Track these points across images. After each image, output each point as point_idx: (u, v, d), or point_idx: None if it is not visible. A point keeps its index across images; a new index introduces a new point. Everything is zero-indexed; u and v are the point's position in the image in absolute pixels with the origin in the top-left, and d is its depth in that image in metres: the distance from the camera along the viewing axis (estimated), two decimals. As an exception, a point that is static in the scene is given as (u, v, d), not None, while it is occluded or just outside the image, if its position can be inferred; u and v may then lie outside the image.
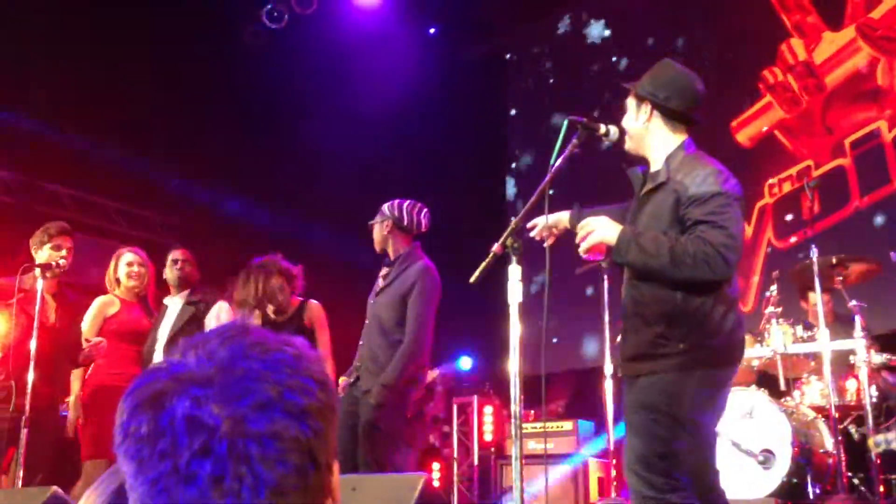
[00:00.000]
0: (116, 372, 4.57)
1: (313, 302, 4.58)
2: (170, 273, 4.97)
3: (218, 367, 0.79)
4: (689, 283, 2.68)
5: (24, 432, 3.91)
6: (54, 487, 2.95)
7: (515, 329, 2.77)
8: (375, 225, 4.52)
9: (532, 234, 3.13)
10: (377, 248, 4.55)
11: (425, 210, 4.53)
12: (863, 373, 4.45)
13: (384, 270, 4.46)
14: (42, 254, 4.49)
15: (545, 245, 3.06)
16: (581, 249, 2.87)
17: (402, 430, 4.30)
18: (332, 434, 0.83)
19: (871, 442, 4.37)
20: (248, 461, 0.75)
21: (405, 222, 4.44)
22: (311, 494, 0.79)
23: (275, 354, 0.82)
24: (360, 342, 4.40)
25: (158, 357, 4.52)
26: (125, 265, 4.88)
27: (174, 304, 4.93)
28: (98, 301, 4.79)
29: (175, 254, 5.01)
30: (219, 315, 4.61)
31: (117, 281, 4.89)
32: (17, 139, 6.88)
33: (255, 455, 0.75)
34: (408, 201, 4.51)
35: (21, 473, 3.87)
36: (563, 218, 3.15)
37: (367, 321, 4.43)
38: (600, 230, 2.79)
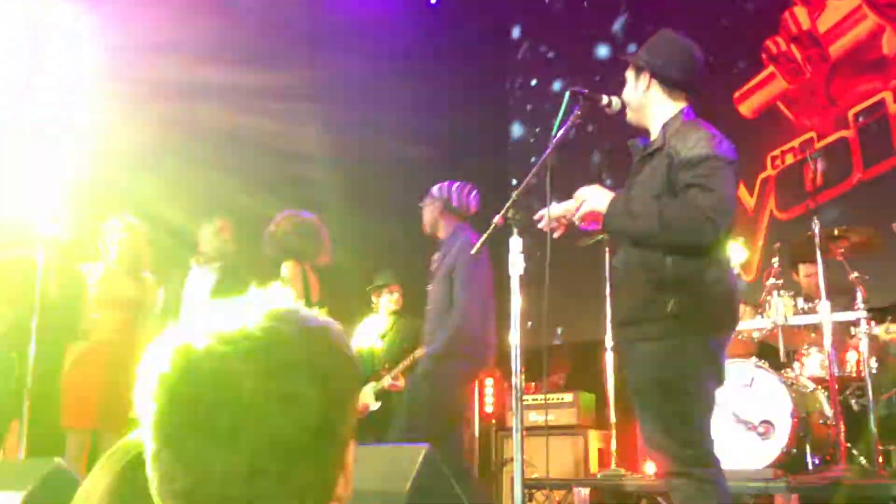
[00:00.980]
0: (97, 341, 4.57)
1: None
2: (214, 241, 4.95)
3: (251, 326, 0.80)
4: (679, 247, 2.68)
5: (25, 404, 3.93)
6: (57, 459, 2.97)
7: (516, 301, 2.78)
8: (426, 207, 4.61)
9: (540, 225, 3.05)
10: (427, 229, 4.66)
11: (475, 191, 4.64)
12: (863, 344, 4.46)
13: (436, 255, 4.54)
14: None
15: (554, 236, 2.99)
16: (575, 218, 2.88)
17: (447, 401, 4.30)
18: (352, 411, 0.84)
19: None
20: (266, 417, 0.76)
21: (455, 203, 4.55)
22: (324, 464, 0.80)
23: (307, 322, 0.83)
24: (427, 328, 4.49)
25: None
26: (112, 230, 4.78)
27: (205, 273, 4.93)
28: (83, 268, 4.71)
29: (218, 223, 5.01)
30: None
31: (104, 246, 4.79)
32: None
33: (274, 412, 0.76)
34: (457, 183, 4.62)
35: (24, 445, 3.89)
36: (570, 207, 3.00)
37: (428, 308, 4.52)
38: (592, 199, 2.80)
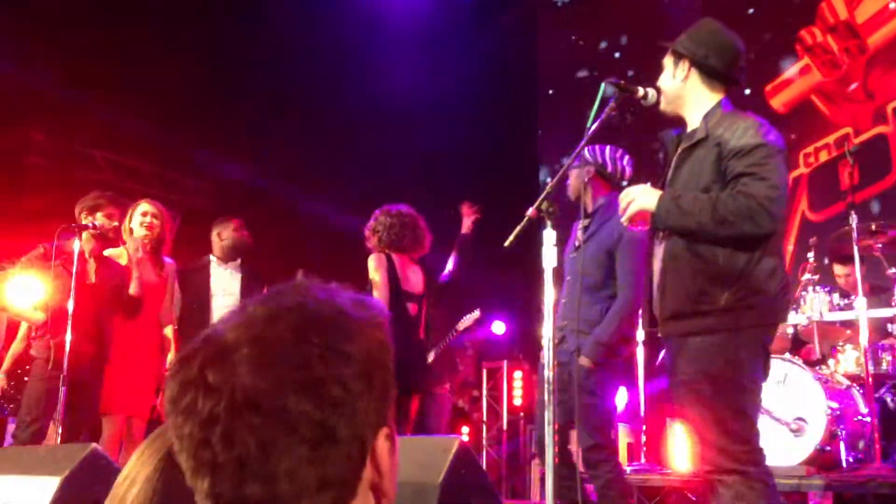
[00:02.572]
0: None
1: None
2: (231, 240, 5.05)
3: (248, 333, 0.80)
4: (735, 238, 2.64)
5: (62, 391, 3.98)
6: (94, 444, 3.00)
7: (550, 293, 2.76)
8: (573, 171, 4.13)
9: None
10: (572, 196, 4.16)
11: (628, 157, 4.20)
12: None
13: (584, 222, 4.05)
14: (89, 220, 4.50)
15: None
16: (623, 220, 2.84)
17: (614, 387, 4.06)
18: (370, 405, 0.82)
19: None
20: (253, 431, 0.76)
21: (609, 169, 4.09)
22: (334, 466, 0.79)
23: (311, 320, 0.82)
24: (563, 300, 4.03)
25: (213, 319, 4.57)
26: (140, 215, 4.74)
27: (228, 271, 5.03)
28: (108, 252, 4.69)
29: (235, 221, 5.12)
30: None
31: (131, 231, 4.75)
32: (52, 102, 6.93)
33: (260, 425, 0.76)
34: (610, 146, 4.18)
35: (60, 431, 3.95)
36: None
37: (567, 277, 4.08)
38: (639, 198, 2.75)
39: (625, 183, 4.06)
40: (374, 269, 4.53)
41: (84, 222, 4.45)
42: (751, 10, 7.41)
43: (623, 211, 2.80)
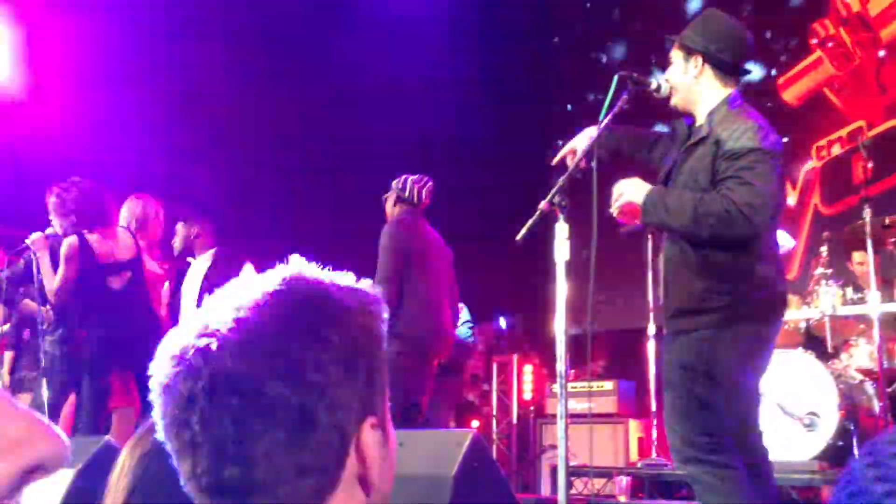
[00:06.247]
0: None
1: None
2: (178, 241, 5.08)
3: (231, 316, 0.80)
4: (713, 240, 2.66)
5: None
6: (107, 437, 3.02)
7: (562, 288, 2.75)
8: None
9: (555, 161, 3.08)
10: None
11: (430, 185, 4.60)
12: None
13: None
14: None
15: (578, 168, 2.95)
16: (612, 211, 2.85)
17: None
18: (353, 394, 0.81)
19: None
20: (230, 412, 0.77)
21: (406, 194, 4.53)
22: (312, 453, 0.79)
23: (295, 305, 0.82)
24: None
25: (186, 314, 4.59)
26: (133, 209, 4.81)
27: (200, 264, 5.00)
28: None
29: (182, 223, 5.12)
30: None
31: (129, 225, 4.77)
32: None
33: (237, 407, 0.77)
34: (417, 176, 4.59)
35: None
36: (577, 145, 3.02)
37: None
38: (628, 192, 2.77)
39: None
40: None
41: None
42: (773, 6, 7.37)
43: (613, 202, 2.81)
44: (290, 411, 0.77)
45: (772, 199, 2.67)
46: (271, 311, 0.81)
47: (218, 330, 0.79)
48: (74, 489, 2.26)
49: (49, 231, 4.35)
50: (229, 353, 0.78)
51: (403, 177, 4.61)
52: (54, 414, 4.05)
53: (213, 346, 0.78)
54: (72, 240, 4.25)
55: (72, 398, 4.34)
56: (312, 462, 0.79)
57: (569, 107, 8.83)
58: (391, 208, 4.62)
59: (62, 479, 2.43)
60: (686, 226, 2.66)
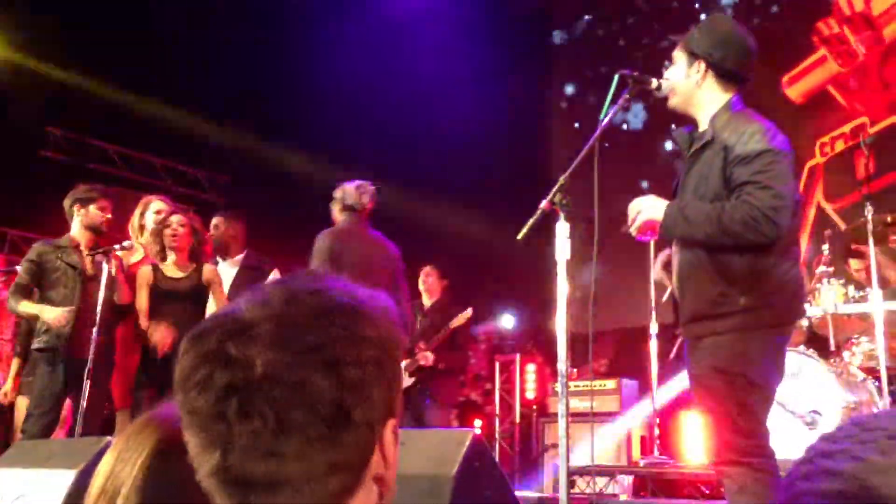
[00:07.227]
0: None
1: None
2: (216, 234, 5.05)
3: (268, 311, 0.80)
4: (740, 247, 2.65)
5: (86, 383, 3.98)
6: (108, 438, 3.03)
7: (563, 286, 2.75)
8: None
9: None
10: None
11: (372, 191, 4.72)
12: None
13: None
14: (88, 213, 4.51)
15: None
16: (631, 230, 2.83)
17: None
18: (382, 394, 0.82)
19: None
20: (272, 404, 0.76)
21: (349, 201, 4.66)
22: (344, 450, 0.79)
23: (330, 303, 0.82)
24: None
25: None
26: (153, 213, 4.72)
27: (227, 269, 4.97)
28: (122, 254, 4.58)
29: (215, 220, 5.11)
30: None
31: (141, 228, 4.74)
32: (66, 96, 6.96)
33: (279, 398, 0.76)
34: (359, 182, 4.70)
35: (81, 422, 3.97)
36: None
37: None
38: (647, 209, 2.75)
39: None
40: None
41: (77, 216, 4.46)
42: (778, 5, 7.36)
43: (631, 222, 2.80)
44: (329, 406, 0.78)
45: (791, 199, 2.66)
46: (311, 308, 0.81)
47: (257, 324, 0.79)
48: (75, 489, 2.27)
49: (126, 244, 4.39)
50: (272, 345, 0.78)
51: (344, 184, 4.74)
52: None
53: (254, 339, 0.78)
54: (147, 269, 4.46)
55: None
56: (343, 460, 0.80)
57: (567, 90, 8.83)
58: (337, 215, 4.76)
59: (63, 479, 2.44)
60: (711, 235, 2.64)
